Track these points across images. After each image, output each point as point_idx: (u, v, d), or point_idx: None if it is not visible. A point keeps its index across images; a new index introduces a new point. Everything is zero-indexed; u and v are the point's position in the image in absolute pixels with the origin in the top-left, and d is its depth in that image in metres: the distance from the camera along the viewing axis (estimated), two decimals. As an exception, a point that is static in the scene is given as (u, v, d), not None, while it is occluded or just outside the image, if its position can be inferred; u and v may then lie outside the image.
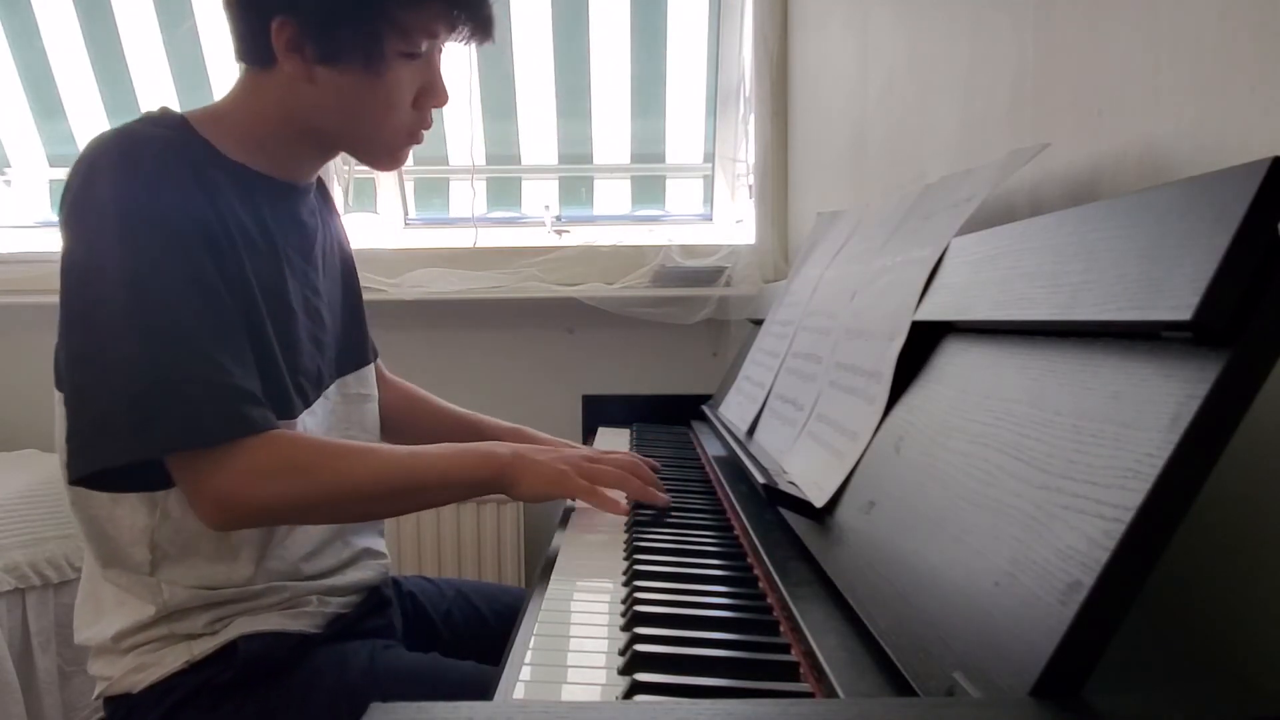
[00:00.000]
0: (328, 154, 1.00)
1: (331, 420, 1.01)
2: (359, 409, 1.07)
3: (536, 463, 0.90)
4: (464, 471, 0.89)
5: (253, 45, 0.91)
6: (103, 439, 0.78)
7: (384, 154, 0.97)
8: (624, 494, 0.92)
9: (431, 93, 0.95)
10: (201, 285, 0.82)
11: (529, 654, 0.58)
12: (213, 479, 0.80)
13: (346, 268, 1.11)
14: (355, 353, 1.08)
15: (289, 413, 0.91)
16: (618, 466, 0.92)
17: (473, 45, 0.97)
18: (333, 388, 1.01)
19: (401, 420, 1.22)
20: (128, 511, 0.88)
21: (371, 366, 1.11)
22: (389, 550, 1.12)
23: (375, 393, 1.11)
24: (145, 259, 0.80)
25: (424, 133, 0.98)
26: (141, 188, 0.82)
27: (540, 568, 0.77)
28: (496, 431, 1.23)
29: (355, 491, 0.86)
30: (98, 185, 0.81)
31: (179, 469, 0.82)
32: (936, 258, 0.68)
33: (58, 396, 0.87)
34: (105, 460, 0.79)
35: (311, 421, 0.96)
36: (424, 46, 0.92)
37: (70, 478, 0.80)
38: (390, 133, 0.94)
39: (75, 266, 0.82)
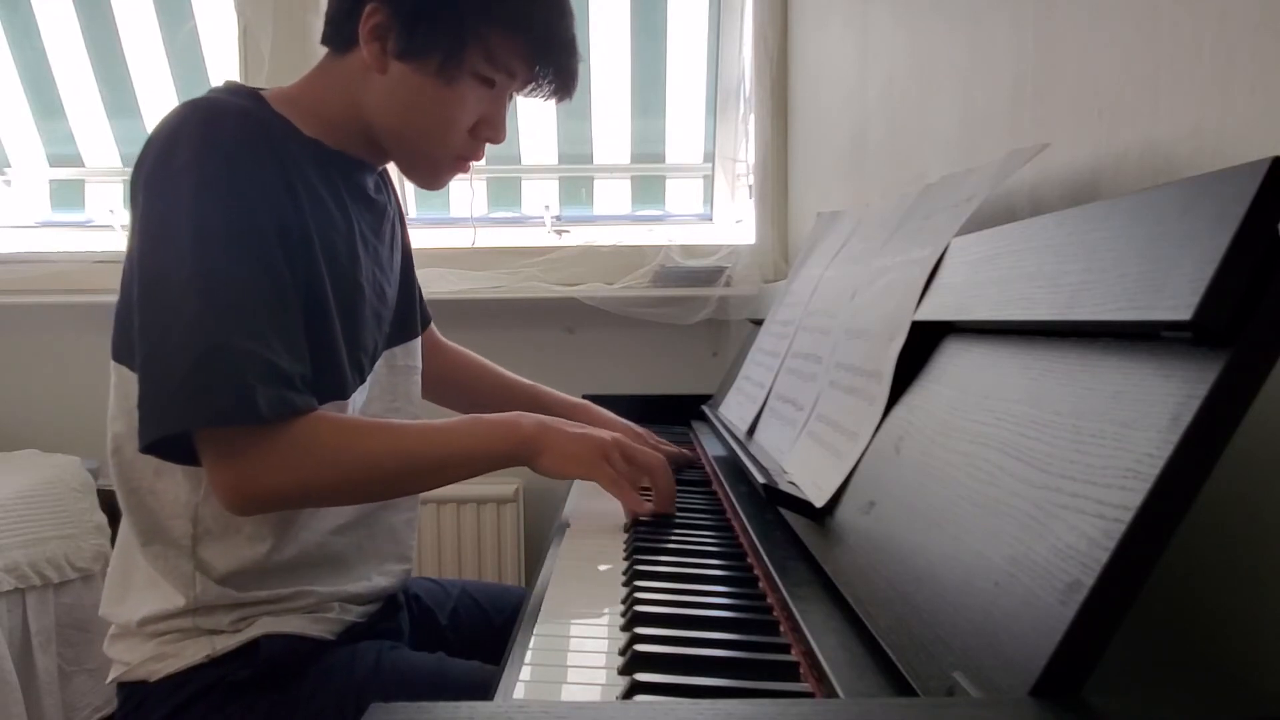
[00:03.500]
0: (382, 155, 0.99)
1: (376, 392, 1.01)
2: (405, 381, 1.06)
3: (565, 437, 0.88)
4: (486, 444, 0.89)
5: (340, 26, 0.92)
6: (164, 406, 0.79)
7: (428, 169, 0.99)
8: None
9: (491, 126, 0.97)
10: (265, 268, 0.82)
11: (529, 654, 0.58)
12: (240, 460, 0.80)
13: (404, 238, 1.11)
14: (407, 325, 1.07)
15: (343, 392, 0.91)
16: (649, 467, 0.90)
17: (549, 101, 0.98)
18: (380, 360, 1.01)
19: (461, 389, 1.23)
20: (170, 485, 0.88)
21: (419, 339, 1.10)
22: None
23: (419, 364, 1.10)
24: (216, 239, 0.80)
25: (471, 164, 0.99)
26: (220, 162, 0.82)
27: (540, 567, 0.77)
28: (558, 404, 1.21)
29: (377, 472, 0.86)
30: (177, 156, 0.82)
31: (209, 444, 0.81)
32: (936, 258, 0.68)
33: (112, 367, 0.89)
34: (166, 427, 0.79)
35: (360, 397, 0.96)
36: (499, 80, 0.94)
37: (140, 445, 0.80)
38: (442, 149, 0.96)
39: (149, 234, 0.82)
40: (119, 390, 0.89)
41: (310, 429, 0.83)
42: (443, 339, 1.27)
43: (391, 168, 1.05)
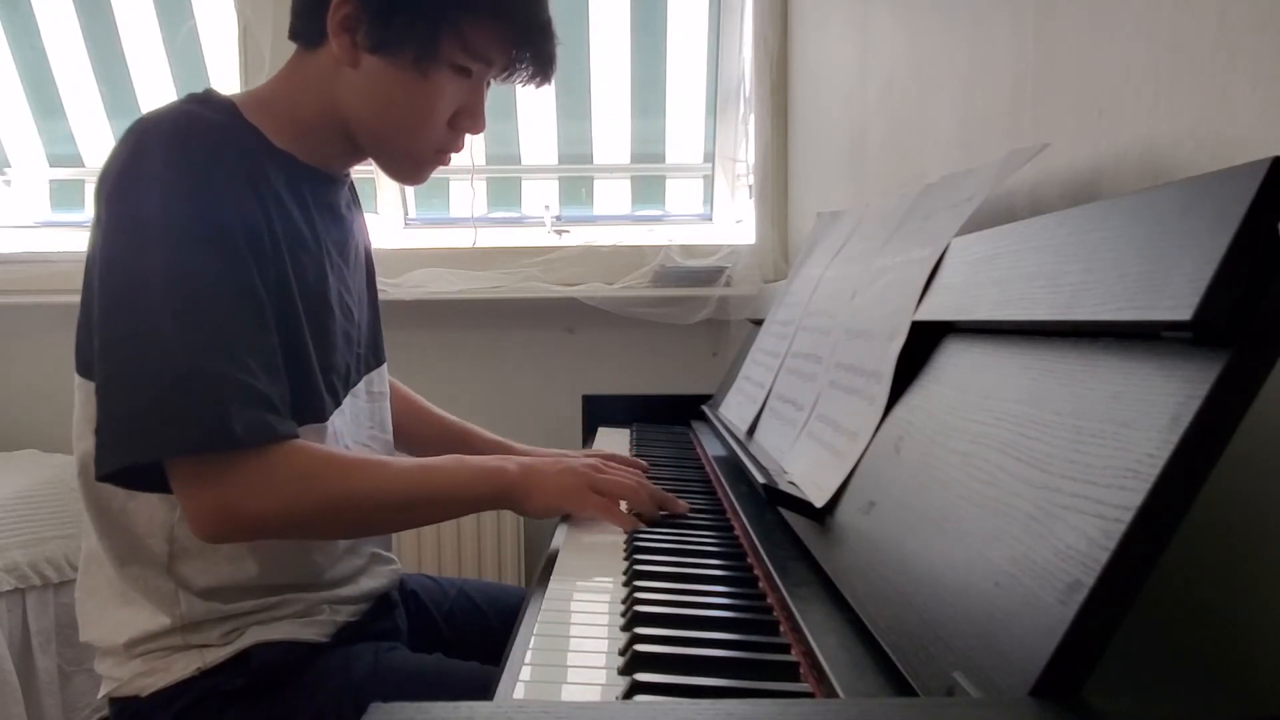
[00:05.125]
0: (359, 153, 0.96)
1: (360, 419, 1.00)
2: (380, 408, 1.05)
3: (546, 476, 0.88)
4: (472, 487, 0.88)
5: (307, 19, 0.89)
6: (130, 433, 0.76)
7: (408, 164, 0.96)
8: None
9: (470, 116, 0.94)
10: (240, 285, 0.80)
11: (529, 654, 0.58)
12: (218, 486, 0.77)
13: (369, 263, 1.09)
14: (377, 351, 1.06)
15: (320, 415, 0.89)
16: (625, 476, 0.90)
17: (529, 86, 0.96)
18: (361, 385, 1.00)
19: (397, 423, 1.22)
20: (144, 504, 0.86)
21: (386, 365, 1.10)
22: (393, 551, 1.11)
23: (389, 391, 1.10)
24: (188, 252, 0.77)
25: (451, 155, 0.97)
26: (191, 176, 0.79)
27: (540, 568, 0.77)
28: (488, 444, 1.22)
29: (360, 505, 0.84)
30: (146, 166, 0.79)
31: (182, 471, 0.78)
32: (936, 258, 0.68)
33: (77, 382, 0.86)
34: (135, 456, 0.76)
35: (341, 421, 0.94)
36: (476, 69, 0.91)
37: (97, 474, 0.77)
38: (421, 143, 0.93)
39: (115, 249, 0.79)
40: (85, 407, 0.84)
41: (291, 457, 0.80)
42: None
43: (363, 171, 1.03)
